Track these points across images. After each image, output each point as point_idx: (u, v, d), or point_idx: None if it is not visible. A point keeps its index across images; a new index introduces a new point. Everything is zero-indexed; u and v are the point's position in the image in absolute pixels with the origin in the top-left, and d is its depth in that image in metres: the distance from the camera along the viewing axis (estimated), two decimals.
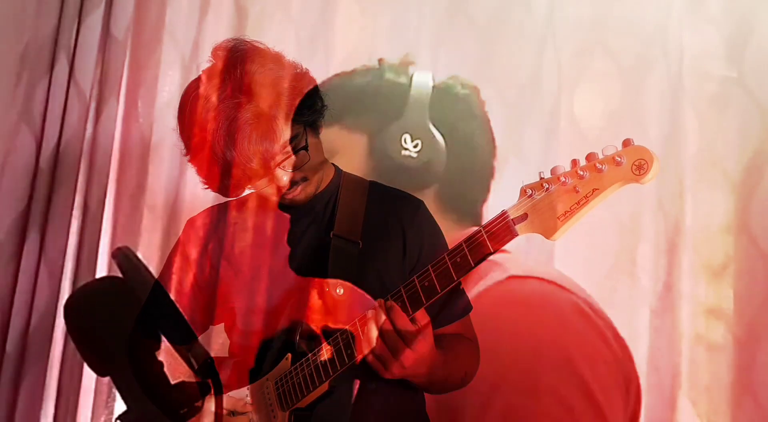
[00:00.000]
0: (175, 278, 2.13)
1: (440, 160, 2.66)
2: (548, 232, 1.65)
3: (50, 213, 3.13)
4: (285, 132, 1.89)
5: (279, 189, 1.95)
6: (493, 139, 2.69)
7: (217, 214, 2.16)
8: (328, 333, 1.89)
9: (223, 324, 2.10)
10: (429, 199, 2.57)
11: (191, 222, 2.18)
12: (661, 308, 2.44)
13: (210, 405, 1.99)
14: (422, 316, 1.80)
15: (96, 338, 2.47)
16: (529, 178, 1.68)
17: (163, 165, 2.98)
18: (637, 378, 2.45)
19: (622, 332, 2.49)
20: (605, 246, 2.52)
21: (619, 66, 2.58)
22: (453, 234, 2.28)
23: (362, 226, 1.99)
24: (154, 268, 2.59)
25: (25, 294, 3.09)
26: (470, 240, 1.71)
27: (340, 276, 1.92)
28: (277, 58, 1.95)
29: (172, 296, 2.12)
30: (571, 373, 2.43)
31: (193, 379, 2.08)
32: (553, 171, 1.65)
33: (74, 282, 3.04)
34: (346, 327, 1.85)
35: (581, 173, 1.61)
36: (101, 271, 2.99)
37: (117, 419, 2.22)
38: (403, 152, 2.64)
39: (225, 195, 2.00)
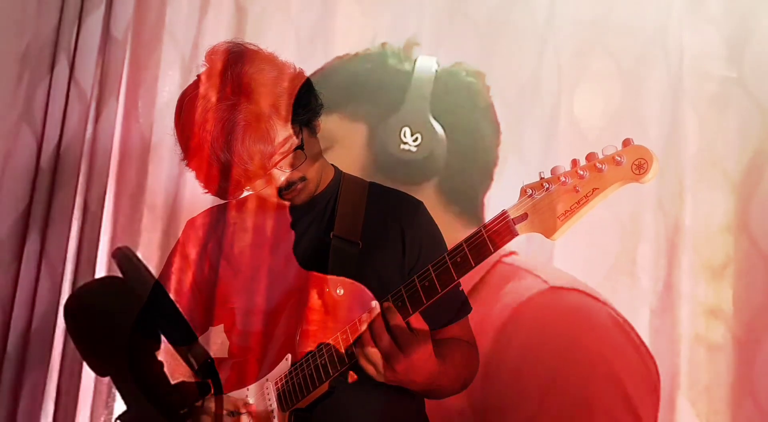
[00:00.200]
0: (174, 278, 2.14)
1: (441, 154, 2.65)
2: (548, 232, 1.65)
3: (51, 213, 3.13)
4: (280, 132, 1.89)
5: (277, 189, 1.96)
6: (497, 127, 2.68)
7: (217, 215, 2.17)
8: None
9: (222, 325, 2.10)
10: (429, 192, 2.59)
11: (191, 222, 2.19)
12: (661, 308, 2.44)
13: (210, 405, 1.99)
14: (420, 325, 1.80)
15: (96, 338, 2.48)
16: (529, 177, 1.69)
17: (162, 165, 2.98)
18: (659, 386, 2.45)
19: None
20: (605, 246, 2.52)
21: (619, 66, 2.58)
22: (454, 226, 2.29)
23: (362, 227, 1.99)
24: (153, 268, 2.60)
25: (25, 295, 3.09)
26: (470, 239, 1.71)
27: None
28: (271, 59, 1.96)
29: (172, 296, 2.12)
30: (618, 388, 2.43)
31: (192, 379, 2.08)
32: (553, 171, 1.65)
33: (74, 282, 3.03)
34: (347, 327, 1.85)
35: (581, 173, 1.61)
36: (101, 271, 2.99)
37: (117, 419, 2.22)
38: (402, 146, 2.63)
39: (224, 198, 2.00)
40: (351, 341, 1.83)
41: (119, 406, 2.76)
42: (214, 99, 1.89)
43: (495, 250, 1.69)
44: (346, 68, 2.75)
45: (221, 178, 1.91)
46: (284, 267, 2.01)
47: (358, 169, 2.61)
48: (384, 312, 1.79)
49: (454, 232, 2.12)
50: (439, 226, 2.06)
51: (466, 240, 1.72)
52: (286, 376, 1.92)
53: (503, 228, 1.68)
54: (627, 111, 2.56)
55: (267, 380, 1.96)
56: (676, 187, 2.45)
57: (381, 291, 1.84)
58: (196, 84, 1.94)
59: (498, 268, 2.54)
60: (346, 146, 2.40)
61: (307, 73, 2.03)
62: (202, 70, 1.95)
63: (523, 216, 1.67)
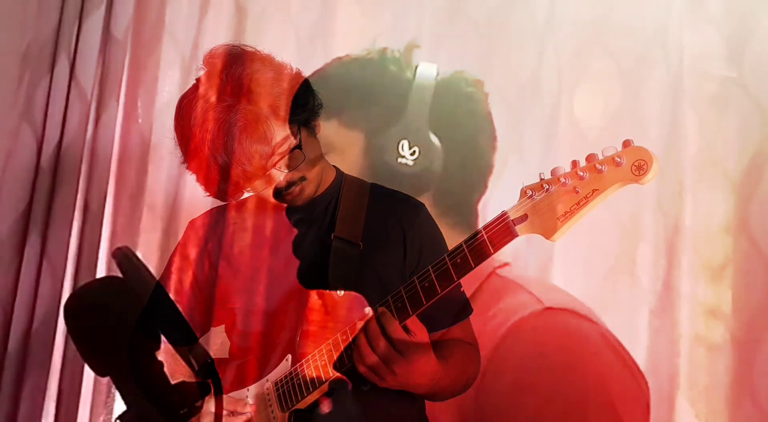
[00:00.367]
0: (176, 278, 2.14)
1: (437, 167, 2.65)
2: (548, 233, 1.65)
3: (51, 213, 3.13)
4: (278, 132, 1.90)
5: (277, 190, 1.96)
6: (494, 134, 2.68)
7: (217, 215, 2.18)
8: None
9: (223, 326, 2.11)
10: (425, 204, 2.58)
11: (192, 223, 2.20)
12: (661, 308, 2.44)
13: (210, 405, 1.99)
14: (416, 326, 1.80)
15: (96, 338, 2.47)
16: (528, 178, 1.69)
17: (162, 165, 2.98)
18: (649, 403, 2.44)
19: (622, 332, 2.49)
20: (605, 246, 2.52)
21: (619, 66, 2.57)
22: (449, 237, 2.28)
23: (363, 228, 1.99)
24: (153, 268, 2.60)
25: (26, 295, 3.09)
26: (470, 240, 1.71)
27: (341, 278, 1.93)
28: (268, 60, 1.97)
29: (173, 296, 2.12)
30: (611, 411, 2.42)
31: (193, 379, 2.08)
32: (553, 172, 1.65)
33: (75, 282, 3.03)
34: (347, 328, 1.85)
35: (581, 174, 1.61)
36: (101, 271, 2.99)
37: (117, 419, 2.22)
38: (400, 160, 2.63)
39: (224, 199, 2.01)
40: (350, 343, 1.83)
41: (119, 406, 2.76)
42: (212, 100, 1.91)
43: (495, 251, 1.69)
44: (345, 73, 2.75)
45: (221, 180, 1.92)
46: (284, 267, 2.02)
47: None
48: (378, 318, 1.79)
49: (449, 243, 2.12)
50: None
51: (466, 241, 1.72)
52: (286, 377, 1.93)
53: (503, 229, 1.68)
54: (627, 111, 2.56)
55: (267, 380, 1.97)
56: (675, 187, 2.45)
57: (381, 293, 1.84)
58: (195, 86, 1.95)
59: (492, 281, 2.53)
60: (342, 154, 2.40)
61: (307, 73, 2.04)
62: (201, 73, 1.96)
63: (523, 217, 1.67)
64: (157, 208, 2.97)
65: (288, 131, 1.92)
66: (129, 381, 2.16)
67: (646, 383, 2.44)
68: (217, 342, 2.13)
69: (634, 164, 1.58)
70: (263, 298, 2.04)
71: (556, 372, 2.42)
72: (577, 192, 1.62)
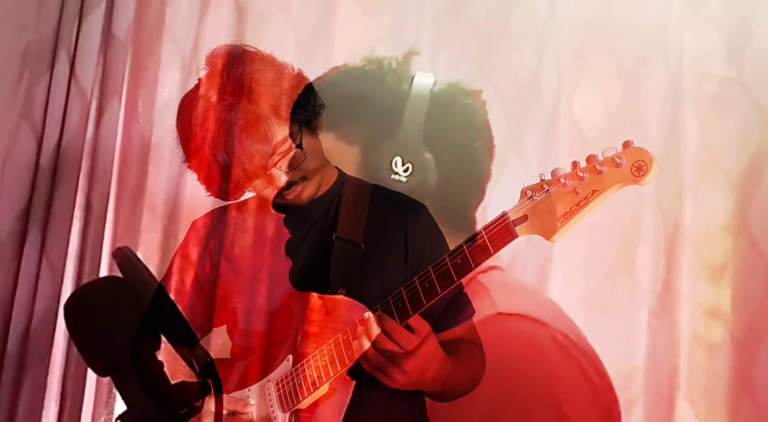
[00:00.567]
0: (177, 278, 2.15)
1: (431, 181, 2.65)
2: (548, 233, 1.65)
3: (51, 212, 3.13)
4: (279, 132, 1.91)
5: (278, 190, 1.96)
6: (491, 143, 2.68)
7: (218, 215, 2.18)
8: None
9: (222, 326, 2.11)
10: None
11: (194, 224, 2.21)
12: (660, 308, 2.43)
13: (210, 405, 2.00)
14: (420, 324, 1.79)
15: (96, 338, 2.48)
16: (528, 178, 1.69)
17: (163, 165, 2.98)
18: (616, 402, 2.45)
19: (621, 332, 2.49)
20: (605, 246, 2.52)
21: (619, 66, 2.57)
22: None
23: (364, 229, 1.99)
24: (154, 268, 2.60)
25: (26, 294, 3.09)
26: (471, 241, 1.71)
27: (342, 278, 1.93)
28: (269, 60, 1.98)
29: (174, 297, 2.13)
30: (556, 410, 2.44)
31: (193, 379, 2.08)
32: (553, 172, 1.65)
33: (77, 282, 3.03)
34: (347, 328, 1.85)
35: (581, 175, 1.61)
36: (104, 271, 2.99)
37: (117, 419, 2.22)
38: (393, 176, 2.63)
39: (224, 198, 2.01)
40: (351, 344, 1.83)
41: (119, 406, 2.76)
42: (212, 100, 1.91)
43: (495, 252, 1.69)
44: (342, 85, 2.75)
45: (221, 179, 1.92)
46: (286, 268, 2.02)
47: None
48: (380, 320, 1.79)
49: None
50: None
51: (467, 241, 1.72)
52: (287, 377, 1.93)
53: (503, 230, 1.68)
54: (627, 111, 2.56)
55: (268, 380, 1.97)
56: (675, 187, 2.45)
57: (382, 293, 1.84)
58: (197, 86, 1.96)
59: (471, 286, 2.54)
60: (341, 166, 2.40)
61: (307, 74, 2.04)
62: (203, 73, 1.96)
63: (523, 218, 1.67)
64: (157, 208, 2.97)
65: (289, 131, 1.92)
66: (129, 381, 2.17)
67: (610, 386, 2.44)
68: (218, 343, 2.14)
69: (634, 165, 1.58)
70: (264, 298, 2.04)
71: (502, 374, 2.42)
72: (577, 193, 1.62)
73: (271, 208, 2.05)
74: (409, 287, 1.78)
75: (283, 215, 2.06)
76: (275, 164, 1.92)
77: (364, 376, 1.84)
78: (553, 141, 2.60)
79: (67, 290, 3.01)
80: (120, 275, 2.29)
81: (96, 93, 3.11)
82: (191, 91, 1.97)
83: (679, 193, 2.45)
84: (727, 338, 2.38)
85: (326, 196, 2.05)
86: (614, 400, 2.44)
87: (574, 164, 1.64)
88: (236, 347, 2.07)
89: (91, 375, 2.90)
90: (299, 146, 1.94)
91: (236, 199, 2.04)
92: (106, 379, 2.81)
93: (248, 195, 2.07)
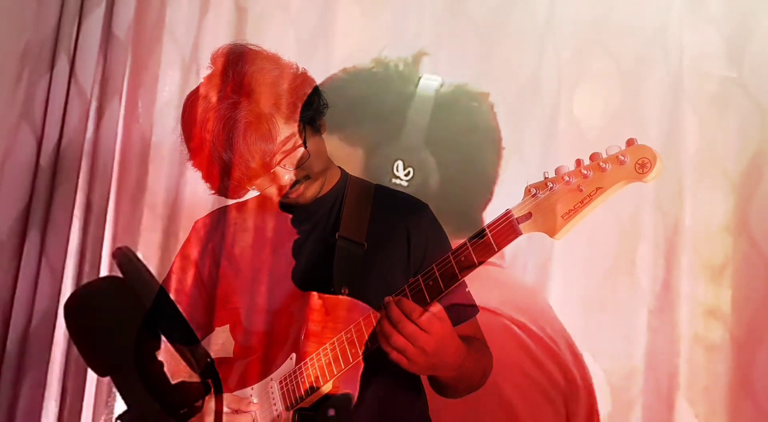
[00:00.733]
0: (178, 279, 2.14)
1: (433, 184, 2.65)
2: (552, 231, 1.65)
3: (51, 212, 3.13)
4: (282, 130, 1.91)
5: (281, 188, 1.97)
6: (499, 145, 2.68)
7: (219, 215, 2.18)
8: None
9: (226, 326, 2.11)
10: None
11: (196, 224, 2.21)
12: (660, 308, 2.44)
13: (211, 404, 1.99)
14: (433, 305, 1.78)
15: (96, 338, 2.46)
16: (528, 177, 1.69)
17: (163, 164, 2.98)
18: (593, 397, 2.47)
19: (621, 332, 2.49)
20: (605, 246, 2.52)
21: (619, 66, 2.58)
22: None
23: (367, 228, 1.99)
24: (154, 268, 2.60)
25: (25, 294, 3.08)
26: (474, 238, 1.71)
27: (345, 278, 1.93)
28: (274, 59, 1.98)
29: (175, 297, 2.12)
30: (508, 409, 2.44)
31: (193, 379, 2.08)
32: (557, 170, 1.65)
33: (77, 282, 3.03)
34: (351, 326, 1.85)
35: (585, 172, 1.61)
36: (103, 271, 2.98)
37: (117, 419, 2.21)
38: (394, 180, 2.63)
39: (227, 196, 2.01)
40: (355, 340, 1.83)
41: (120, 406, 2.75)
42: (215, 98, 1.91)
43: (499, 249, 1.69)
44: (349, 87, 2.75)
45: (224, 177, 1.92)
46: (287, 267, 2.02)
47: None
48: (398, 304, 1.77)
49: None
50: None
51: (470, 239, 1.72)
52: (290, 375, 1.92)
53: (507, 228, 1.68)
54: (627, 111, 2.56)
55: (271, 379, 1.97)
56: (675, 187, 2.45)
57: (385, 292, 1.83)
58: (201, 85, 1.96)
59: None
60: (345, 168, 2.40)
61: (308, 73, 2.04)
62: (208, 72, 1.96)
63: (527, 216, 1.67)
64: (157, 208, 2.97)
65: (292, 129, 1.93)
66: (129, 381, 2.16)
67: (570, 372, 2.46)
68: (218, 343, 2.13)
69: (638, 162, 1.58)
70: (264, 298, 2.04)
71: None
72: (581, 190, 1.62)
73: (279, 208, 2.05)
74: (413, 284, 1.78)
75: (290, 215, 2.06)
76: (278, 163, 1.92)
77: (366, 374, 1.84)
78: (553, 141, 2.61)
79: (67, 290, 3.00)
80: (120, 275, 2.28)
81: (96, 93, 3.11)
82: (195, 89, 1.97)
83: (679, 192, 2.45)
84: (727, 338, 2.38)
85: (329, 196, 2.05)
86: (577, 396, 2.44)
87: (578, 162, 1.64)
88: (239, 346, 2.07)
89: (91, 375, 2.90)
90: (303, 145, 1.94)
91: (239, 197, 2.04)
92: (106, 379, 2.79)
93: (252, 193, 2.07)
